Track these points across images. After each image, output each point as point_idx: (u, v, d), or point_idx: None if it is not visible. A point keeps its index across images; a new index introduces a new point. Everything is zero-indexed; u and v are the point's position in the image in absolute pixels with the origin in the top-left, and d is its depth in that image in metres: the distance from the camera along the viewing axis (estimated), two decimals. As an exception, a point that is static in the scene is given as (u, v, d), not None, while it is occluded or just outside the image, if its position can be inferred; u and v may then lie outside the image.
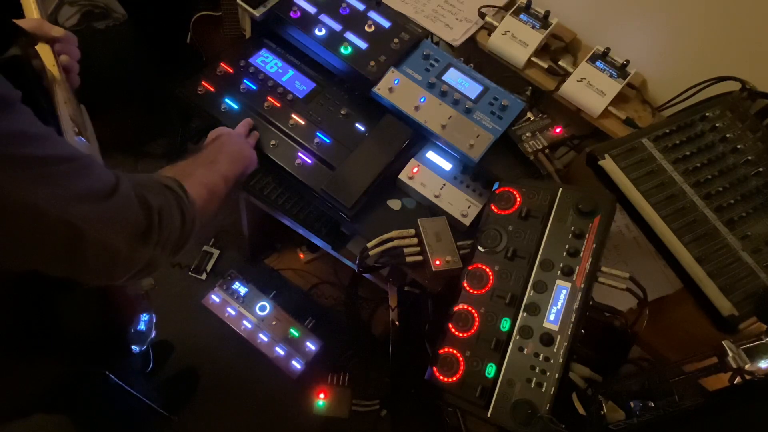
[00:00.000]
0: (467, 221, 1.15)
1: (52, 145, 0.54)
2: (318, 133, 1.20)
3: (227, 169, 0.89)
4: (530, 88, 1.30)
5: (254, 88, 1.25)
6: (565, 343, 0.89)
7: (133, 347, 0.96)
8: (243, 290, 1.79)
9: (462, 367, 0.92)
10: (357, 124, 1.23)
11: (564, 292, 0.93)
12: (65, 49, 0.79)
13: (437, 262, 1.03)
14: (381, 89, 1.20)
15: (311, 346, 1.72)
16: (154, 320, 0.99)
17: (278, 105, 1.23)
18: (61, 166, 0.54)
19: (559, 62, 1.28)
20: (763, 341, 0.80)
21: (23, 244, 0.53)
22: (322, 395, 1.58)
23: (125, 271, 0.62)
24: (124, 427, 1.34)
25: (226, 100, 1.21)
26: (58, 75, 0.74)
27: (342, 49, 1.21)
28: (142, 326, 0.97)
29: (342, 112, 1.24)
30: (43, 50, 0.74)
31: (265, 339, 1.72)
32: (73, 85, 0.81)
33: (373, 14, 1.28)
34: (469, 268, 1.01)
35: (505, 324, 0.93)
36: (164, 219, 0.64)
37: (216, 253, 1.97)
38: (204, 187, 0.78)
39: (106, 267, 0.59)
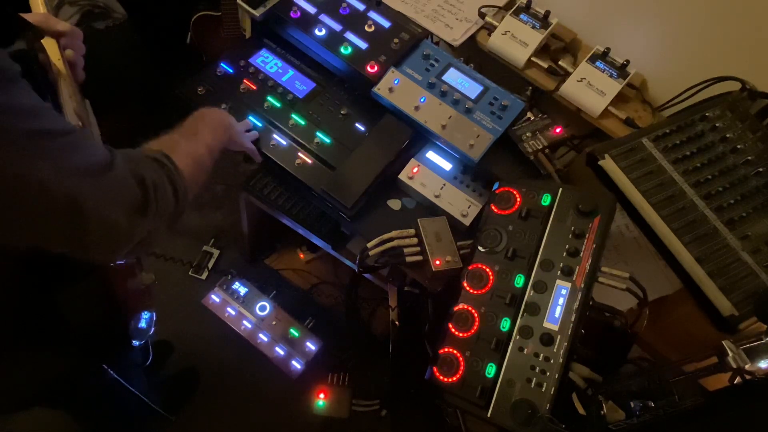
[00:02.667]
0: (467, 221, 1.15)
1: (50, 119, 0.55)
2: (318, 133, 1.20)
3: (211, 140, 0.90)
4: (530, 88, 1.30)
5: (254, 88, 1.24)
6: (565, 343, 0.89)
7: (133, 341, 0.96)
8: (243, 290, 1.79)
9: (462, 367, 0.92)
10: (357, 124, 1.23)
11: (564, 292, 0.93)
12: (70, 44, 0.79)
13: (437, 262, 1.03)
14: (381, 89, 1.20)
15: (311, 346, 1.72)
16: (155, 318, 0.99)
17: (278, 105, 1.23)
18: (60, 139, 0.54)
19: (559, 62, 1.27)
20: (763, 341, 0.80)
21: (24, 219, 0.54)
22: (322, 395, 1.58)
23: (126, 244, 0.63)
24: (122, 425, 1.34)
25: (226, 101, 1.21)
26: (64, 69, 0.75)
27: (342, 49, 1.21)
28: (143, 323, 0.97)
29: (342, 112, 1.24)
30: (49, 45, 0.75)
31: (265, 339, 1.72)
32: (78, 80, 0.82)
33: (373, 14, 1.28)
34: (469, 268, 1.01)
35: (505, 324, 0.93)
36: (159, 192, 0.65)
37: (216, 253, 1.96)
38: (190, 158, 0.79)
39: (107, 241, 0.60)
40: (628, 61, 1.22)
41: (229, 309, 1.77)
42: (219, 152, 0.93)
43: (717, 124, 1.09)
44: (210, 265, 1.94)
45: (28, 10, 0.77)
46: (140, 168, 0.64)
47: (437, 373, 0.93)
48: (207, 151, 0.86)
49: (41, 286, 0.76)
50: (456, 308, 0.98)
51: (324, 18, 1.25)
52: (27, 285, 0.74)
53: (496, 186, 1.09)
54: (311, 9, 1.26)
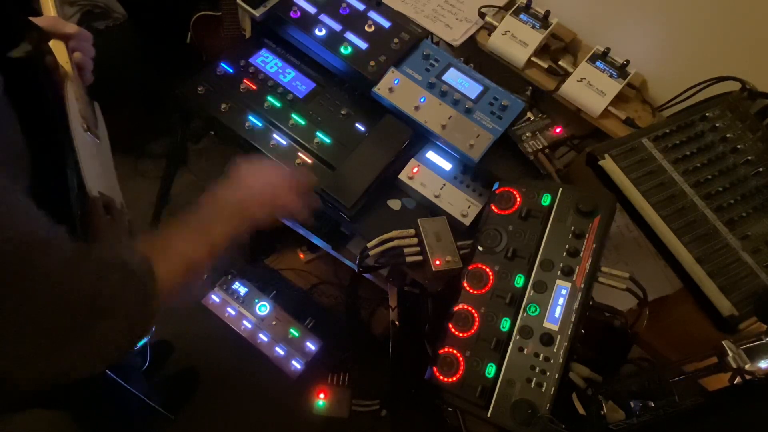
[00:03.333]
0: (467, 221, 1.15)
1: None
2: (318, 133, 1.20)
3: (220, 237, 0.78)
4: (530, 88, 1.30)
5: (254, 88, 1.25)
6: (565, 343, 0.89)
7: None
8: (243, 290, 1.79)
9: (462, 367, 0.92)
10: (357, 124, 1.23)
11: (564, 292, 0.93)
12: (79, 46, 0.79)
13: (437, 262, 1.03)
14: (381, 89, 1.20)
15: (311, 346, 1.72)
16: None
17: (278, 105, 1.23)
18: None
19: (559, 62, 1.27)
20: (763, 341, 0.80)
21: None
22: (322, 395, 1.58)
23: (84, 347, 0.57)
24: (123, 425, 1.34)
25: (226, 101, 1.21)
26: (71, 71, 0.75)
27: (342, 49, 1.21)
28: None
29: (342, 112, 1.24)
30: (57, 47, 0.75)
31: (265, 339, 1.72)
32: (86, 82, 0.82)
33: (373, 14, 1.28)
34: (469, 268, 1.01)
35: (505, 324, 0.93)
36: (118, 304, 0.59)
37: (216, 253, 1.96)
38: (182, 260, 0.71)
39: (64, 340, 0.55)
40: (628, 61, 1.22)
41: (229, 309, 1.77)
42: (232, 241, 0.80)
43: (717, 124, 1.09)
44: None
45: (37, 13, 0.77)
46: (107, 269, 0.59)
47: (437, 373, 0.93)
48: (208, 250, 0.76)
49: None
50: (456, 308, 0.98)
51: (324, 18, 1.25)
52: None
53: (496, 186, 1.09)
54: (311, 9, 1.26)
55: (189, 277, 0.72)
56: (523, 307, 0.94)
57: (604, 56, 1.24)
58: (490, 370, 0.90)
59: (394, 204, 1.19)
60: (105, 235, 0.71)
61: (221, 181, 0.86)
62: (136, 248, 0.67)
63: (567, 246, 0.96)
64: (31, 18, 0.73)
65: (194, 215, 0.79)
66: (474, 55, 1.34)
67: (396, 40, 1.24)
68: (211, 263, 0.76)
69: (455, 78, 1.23)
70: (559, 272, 0.95)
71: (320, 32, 1.23)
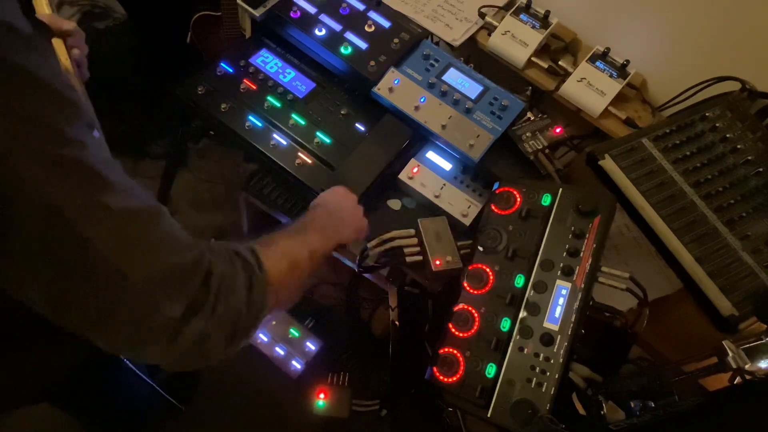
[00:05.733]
0: (467, 221, 1.15)
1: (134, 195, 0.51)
2: (318, 133, 1.20)
3: (316, 243, 0.78)
4: (530, 88, 1.30)
5: (254, 88, 1.24)
6: (565, 343, 0.89)
7: None
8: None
9: (462, 367, 0.92)
10: (357, 124, 1.23)
11: (564, 292, 0.93)
12: (75, 43, 0.80)
13: (437, 262, 1.03)
14: (381, 89, 1.20)
15: (311, 346, 1.72)
16: None
17: (278, 105, 1.23)
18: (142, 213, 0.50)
19: (559, 62, 1.27)
20: (763, 341, 0.80)
21: (61, 279, 0.47)
22: (322, 395, 1.58)
23: (167, 343, 0.52)
24: (130, 415, 1.34)
25: (226, 101, 1.21)
26: (71, 68, 0.76)
27: (342, 49, 1.21)
28: None
29: (342, 112, 1.24)
30: (57, 44, 0.76)
31: (265, 339, 1.72)
32: (83, 79, 0.82)
33: (373, 14, 1.28)
34: (469, 268, 1.01)
35: (505, 324, 0.93)
36: (225, 289, 0.55)
37: (216, 253, 1.96)
38: (285, 257, 0.68)
39: (140, 331, 0.51)
40: (628, 61, 1.22)
41: (229, 309, 1.76)
42: (324, 257, 0.81)
43: (717, 124, 1.09)
44: (210, 265, 1.94)
45: (32, 12, 0.77)
46: (212, 252, 0.56)
47: (437, 373, 0.93)
48: (308, 252, 0.74)
49: None
50: (456, 308, 0.98)
51: (324, 18, 1.25)
52: None
53: (496, 186, 1.09)
54: (311, 9, 1.26)
55: (297, 275, 0.70)
56: (523, 306, 0.94)
57: (604, 56, 1.24)
58: (490, 370, 0.90)
59: (394, 204, 1.19)
60: None
61: (324, 196, 0.94)
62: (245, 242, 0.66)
63: (567, 246, 0.96)
64: (36, 15, 0.73)
65: (290, 223, 0.81)
66: (474, 55, 1.34)
67: (396, 40, 1.24)
68: (312, 273, 0.75)
69: (455, 78, 1.23)
70: (559, 272, 0.95)
71: (320, 32, 1.23)
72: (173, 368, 0.58)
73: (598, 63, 1.23)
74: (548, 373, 0.88)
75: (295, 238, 0.75)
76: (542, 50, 1.29)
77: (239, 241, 0.63)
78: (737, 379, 0.79)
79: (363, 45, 1.23)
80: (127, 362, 1.02)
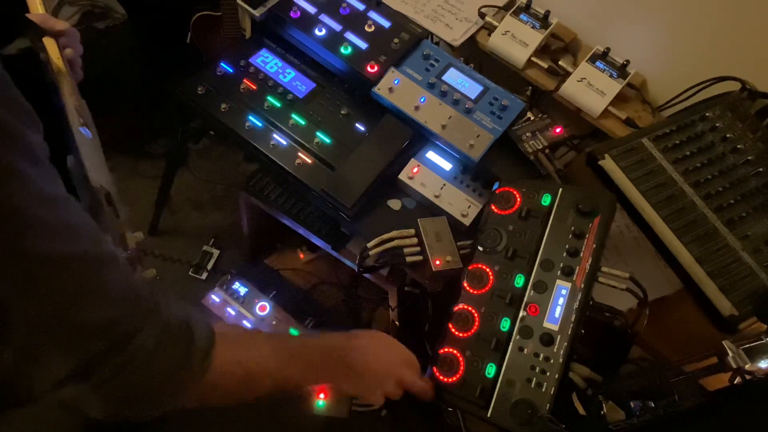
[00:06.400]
0: (467, 221, 1.15)
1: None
2: (318, 133, 1.20)
3: (295, 377, 0.69)
4: (530, 88, 1.30)
5: (254, 88, 1.24)
6: (565, 343, 0.89)
7: None
8: (243, 290, 1.79)
9: (462, 367, 0.92)
10: (357, 124, 1.23)
11: (564, 292, 0.93)
12: (69, 43, 0.80)
13: (437, 262, 1.03)
14: (381, 89, 1.20)
15: (311, 346, 1.72)
16: None
17: (278, 105, 1.23)
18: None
19: (559, 62, 1.28)
20: (763, 341, 0.80)
21: None
22: (322, 395, 1.57)
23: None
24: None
25: (226, 101, 1.21)
26: (64, 68, 0.76)
27: (342, 49, 1.21)
28: None
29: (342, 112, 1.24)
30: (49, 44, 0.76)
31: (265, 339, 1.72)
32: (77, 79, 0.82)
33: (373, 14, 1.28)
34: (469, 268, 1.01)
35: (505, 324, 0.93)
36: (136, 362, 0.48)
37: (216, 253, 1.96)
38: (242, 367, 0.60)
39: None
40: (628, 61, 1.22)
41: (229, 309, 1.76)
42: (296, 389, 0.73)
43: (717, 124, 1.09)
44: (210, 265, 1.94)
45: (26, 11, 0.77)
46: (150, 320, 0.50)
47: (437, 373, 0.93)
48: (282, 382, 0.67)
49: None
50: (456, 308, 0.98)
51: (324, 18, 1.25)
52: None
53: (496, 186, 1.09)
54: (311, 9, 1.26)
55: (243, 390, 0.62)
56: (523, 307, 0.94)
57: (604, 56, 1.24)
58: (490, 370, 0.90)
59: (394, 204, 1.19)
60: (108, 226, 0.72)
61: (366, 337, 0.79)
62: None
63: (567, 246, 0.96)
64: (27, 15, 0.73)
65: (307, 337, 0.72)
66: (474, 55, 1.34)
67: (396, 40, 1.24)
68: (269, 393, 0.67)
69: (455, 78, 1.23)
70: (559, 272, 0.95)
71: (320, 32, 1.23)
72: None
73: (598, 63, 1.23)
74: (548, 373, 0.88)
75: (282, 358, 0.66)
76: (542, 50, 1.29)
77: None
78: (737, 379, 0.79)
79: (363, 45, 1.23)
80: None
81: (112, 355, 0.47)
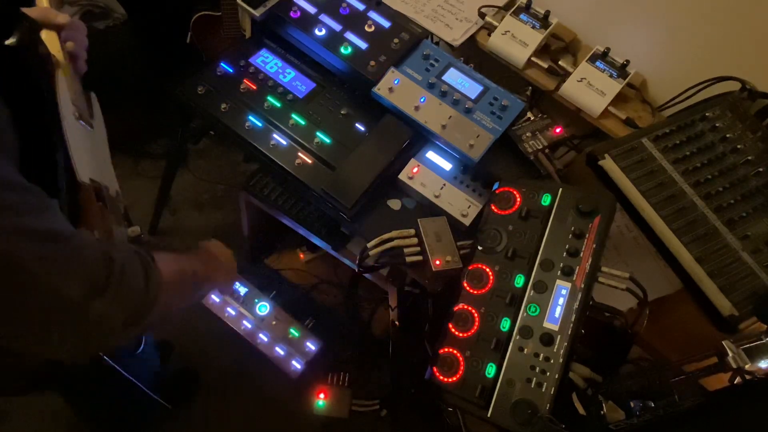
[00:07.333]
0: (467, 221, 1.15)
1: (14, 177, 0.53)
2: (318, 133, 1.20)
3: (198, 267, 0.85)
4: (530, 88, 1.30)
5: (254, 88, 1.24)
6: (565, 343, 0.89)
7: None
8: (243, 290, 1.79)
9: (462, 367, 0.92)
10: (357, 124, 1.23)
11: (564, 292, 0.93)
12: (72, 36, 0.80)
13: (437, 262, 1.03)
14: (381, 89, 1.20)
15: (311, 346, 1.72)
16: None
17: (278, 105, 1.23)
18: (16, 195, 0.53)
19: (559, 62, 1.28)
20: (763, 341, 0.80)
21: None
22: (322, 395, 1.58)
23: (72, 328, 0.57)
24: (120, 413, 1.34)
25: (226, 101, 1.21)
26: (62, 60, 0.76)
27: (342, 49, 1.21)
28: None
29: (342, 112, 1.24)
30: (49, 37, 0.76)
31: (265, 339, 1.72)
32: (79, 72, 0.82)
33: (373, 14, 1.28)
34: (469, 268, 1.01)
35: (505, 324, 0.93)
36: (126, 275, 0.60)
37: (216, 253, 1.96)
38: (175, 263, 0.76)
39: (51, 320, 0.55)
40: (628, 61, 1.22)
41: (229, 309, 1.76)
42: (204, 288, 0.91)
43: (717, 124, 1.09)
44: (210, 265, 1.94)
45: (31, 3, 0.77)
46: (111, 248, 0.61)
47: (437, 373, 0.93)
48: (191, 271, 0.82)
49: None
50: (456, 308, 0.98)
51: (324, 18, 1.25)
52: None
53: (496, 186, 1.09)
54: (311, 9, 1.26)
55: (184, 283, 0.78)
56: (523, 307, 0.94)
57: (604, 56, 1.24)
58: (490, 370, 0.90)
59: (394, 204, 1.19)
60: (95, 221, 0.72)
61: (205, 244, 0.99)
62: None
63: (567, 246, 0.96)
64: (22, 9, 0.73)
65: (186, 250, 0.90)
66: (474, 55, 1.34)
67: (396, 40, 1.24)
68: (192, 293, 0.84)
69: (455, 78, 1.23)
70: (559, 272, 0.95)
71: (320, 32, 1.23)
72: (75, 359, 0.61)
73: (598, 63, 1.23)
74: (548, 373, 0.88)
75: (182, 256, 0.84)
76: (542, 50, 1.29)
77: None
78: (737, 379, 0.79)
79: (363, 45, 1.23)
80: (109, 361, 1.02)
81: (108, 272, 0.58)
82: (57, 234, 0.55)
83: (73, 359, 0.61)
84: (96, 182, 0.75)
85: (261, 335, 1.72)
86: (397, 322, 1.36)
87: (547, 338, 0.90)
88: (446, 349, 0.95)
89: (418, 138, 1.22)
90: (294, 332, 1.73)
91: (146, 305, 0.64)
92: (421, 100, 1.19)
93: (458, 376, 0.92)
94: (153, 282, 0.65)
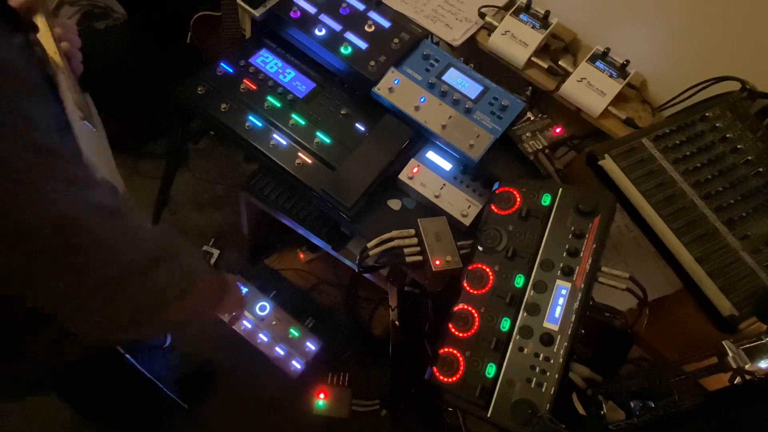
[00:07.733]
0: (467, 221, 1.15)
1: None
2: (318, 133, 1.20)
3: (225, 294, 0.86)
4: (530, 88, 1.30)
5: (254, 88, 1.24)
6: (565, 343, 0.89)
7: None
8: (243, 290, 1.79)
9: (462, 367, 0.92)
10: (357, 124, 1.23)
11: (564, 292, 0.93)
12: (66, 36, 0.79)
13: (437, 262, 1.03)
14: (381, 89, 1.20)
15: (311, 346, 1.72)
16: None
17: (278, 105, 1.23)
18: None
19: (559, 62, 1.27)
20: (763, 341, 0.80)
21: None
22: (322, 395, 1.58)
23: (135, 292, 0.60)
24: (134, 410, 1.34)
25: (226, 101, 1.21)
26: (60, 61, 0.75)
27: (342, 49, 1.21)
28: None
29: (342, 112, 1.24)
30: (45, 38, 0.75)
31: (265, 339, 1.72)
32: (76, 72, 0.82)
33: (373, 14, 1.28)
34: (469, 268, 1.01)
35: (505, 324, 0.93)
36: (179, 257, 0.65)
37: (216, 253, 1.97)
38: (218, 282, 0.80)
39: (115, 284, 0.58)
40: (628, 61, 1.22)
41: (229, 309, 1.76)
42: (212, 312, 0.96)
43: (717, 124, 1.09)
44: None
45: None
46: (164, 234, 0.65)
47: (437, 373, 0.93)
48: (217, 298, 0.83)
49: None
50: (456, 308, 0.98)
51: (324, 18, 1.25)
52: None
53: (496, 186, 1.09)
54: (311, 9, 1.26)
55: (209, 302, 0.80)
56: (523, 307, 0.94)
57: (604, 56, 1.24)
58: (490, 370, 0.90)
59: (394, 204, 1.19)
60: None
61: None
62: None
63: (567, 246, 0.96)
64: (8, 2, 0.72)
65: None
66: (474, 55, 1.34)
67: (396, 40, 1.24)
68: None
69: (455, 78, 1.23)
70: (559, 272, 0.95)
71: (320, 32, 1.23)
72: (127, 334, 0.64)
73: (598, 63, 1.23)
74: (548, 373, 0.88)
75: (226, 276, 0.88)
76: (542, 50, 1.29)
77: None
78: (737, 379, 0.79)
79: (363, 45, 1.23)
80: (130, 359, 1.02)
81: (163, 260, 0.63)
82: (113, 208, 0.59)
83: (125, 335, 0.65)
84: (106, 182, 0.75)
85: (261, 335, 1.72)
86: (397, 322, 1.36)
87: (547, 338, 0.90)
88: (446, 349, 0.95)
89: (418, 138, 1.22)
90: (294, 332, 1.73)
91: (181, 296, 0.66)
92: (421, 100, 1.19)
93: (458, 376, 0.92)
94: (189, 287, 0.67)
